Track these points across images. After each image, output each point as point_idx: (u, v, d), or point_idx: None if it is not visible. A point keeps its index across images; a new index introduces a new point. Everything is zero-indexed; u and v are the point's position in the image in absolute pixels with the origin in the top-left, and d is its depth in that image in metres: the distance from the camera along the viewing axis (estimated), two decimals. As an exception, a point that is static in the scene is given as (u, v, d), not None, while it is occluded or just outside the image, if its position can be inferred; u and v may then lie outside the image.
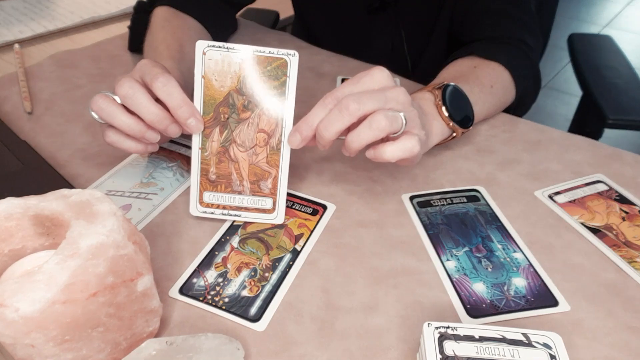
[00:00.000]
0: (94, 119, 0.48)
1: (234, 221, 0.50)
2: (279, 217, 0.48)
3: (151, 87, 0.46)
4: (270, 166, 0.47)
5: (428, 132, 0.53)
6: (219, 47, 0.45)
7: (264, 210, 0.48)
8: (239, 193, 0.48)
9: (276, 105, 0.46)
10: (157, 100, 0.46)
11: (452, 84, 0.56)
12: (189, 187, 0.53)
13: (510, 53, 0.66)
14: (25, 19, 0.88)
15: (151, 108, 0.46)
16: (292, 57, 0.45)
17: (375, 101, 0.43)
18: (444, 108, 0.54)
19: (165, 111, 0.46)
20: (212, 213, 0.48)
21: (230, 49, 0.45)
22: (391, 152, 0.45)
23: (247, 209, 0.48)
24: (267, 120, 0.46)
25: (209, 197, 0.48)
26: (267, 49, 0.45)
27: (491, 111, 0.64)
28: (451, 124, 0.55)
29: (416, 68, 0.82)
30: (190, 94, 0.46)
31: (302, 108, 0.66)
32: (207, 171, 0.48)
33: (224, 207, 0.48)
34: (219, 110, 0.46)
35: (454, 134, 0.56)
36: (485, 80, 0.61)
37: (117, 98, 0.47)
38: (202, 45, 0.45)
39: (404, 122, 0.44)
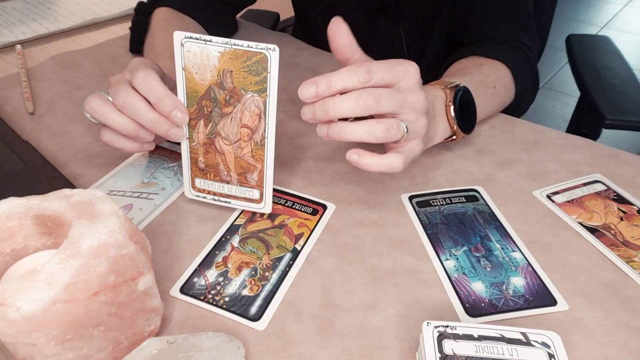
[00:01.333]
0: (88, 119, 0.48)
1: (234, 221, 0.50)
2: (266, 207, 0.49)
3: (132, 84, 0.46)
4: (255, 160, 0.47)
5: (432, 132, 0.53)
6: (197, 39, 0.43)
7: (252, 200, 0.49)
8: (227, 182, 0.49)
9: (258, 101, 0.45)
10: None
11: (464, 86, 0.56)
12: None
13: (511, 53, 0.66)
14: (27, 20, 0.88)
15: (149, 114, 0.45)
16: (272, 52, 0.42)
17: (392, 105, 0.43)
18: (452, 108, 0.54)
19: (162, 116, 0.46)
20: (204, 197, 0.50)
21: (208, 41, 0.43)
22: (373, 165, 0.44)
23: (236, 197, 0.49)
24: (249, 116, 0.45)
25: (200, 183, 0.49)
26: (246, 43, 0.43)
27: (491, 112, 0.65)
28: (455, 127, 0.55)
29: None
30: None
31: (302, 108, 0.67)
32: (196, 159, 0.48)
33: (214, 194, 0.50)
34: (202, 104, 0.46)
35: (454, 137, 0.56)
36: (489, 80, 0.62)
37: (107, 96, 0.47)
38: (180, 37, 0.44)
39: (405, 134, 0.44)
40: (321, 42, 0.86)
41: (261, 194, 0.48)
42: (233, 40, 0.43)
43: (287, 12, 1.11)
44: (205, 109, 0.46)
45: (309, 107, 0.43)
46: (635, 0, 3.24)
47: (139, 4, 0.76)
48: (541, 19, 0.76)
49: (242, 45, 0.43)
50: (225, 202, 0.50)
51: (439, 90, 0.56)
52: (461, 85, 0.56)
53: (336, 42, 0.45)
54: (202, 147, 0.47)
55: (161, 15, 0.70)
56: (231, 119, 0.45)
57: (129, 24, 0.77)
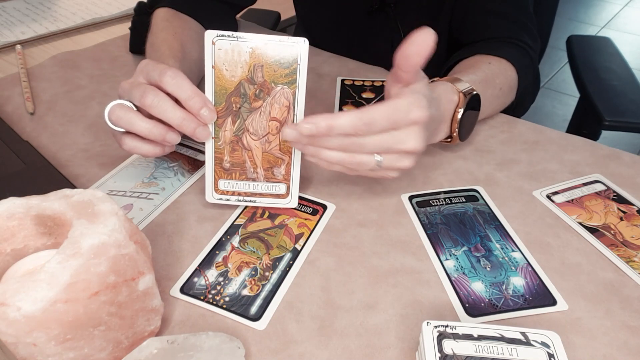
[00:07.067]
0: (112, 129, 0.48)
1: (234, 221, 0.50)
2: (292, 201, 0.50)
3: (160, 82, 0.46)
4: (283, 153, 0.48)
5: (433, 132, 0.53)
6: (229, 36, 0.44)
7: (277, 196, 0.50)
8: (253, 180, 0.49)
9: (288, 93, 0.46)
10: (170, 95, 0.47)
11: (477, 93, 0.56)
12: (190, 187, 0.54)
13: (514, 51, 0.66)
14: (27, 20, 0.88)
15: (177, 112, 0.46)
16: (302, 45, 0.45)
17: (374, 150, 0.44)
18: (459, 115, 0.54)
19: (191, 114, 0.46)
20: (228, 200, 0.50)
21: (240, 37, 0.44)
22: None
23: (261, 195, 0.50)
24: (278, 108, 0.46)
25: (223, 184, 0.49)
26: (277, 37, 0.44)
27: (492, 113, 0.65)
28: (455, 133, 0.55)
29: None
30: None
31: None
32: (221, 160, 0.48)
33: (239, 194, 0.50)
34: (230, 100, 0.46)
35: (449, 139, 0.57)
36: (497, 81, 0.62)
37: (128, 104, 0.48)
38: (212, 35, 0.45)
39: (378, 167, 0.45)
40: (321, 41, 0.86)
41: (287, 188, 0.49)
42: (265, 35, 0.45)
43: (287, 11, 1.11)
44: (234, 105, 0.46)
45: (294, 132, 0.43)
46: (635, 0, 3.24)
47: (139, 4, 0.76)
48: (542, 20, 0.76)
49: (273, 40, 0.45)
50: (250, 201, 0.50)
51: (454, 94, 0.55)
52: (475, 93, 0.56)
53: (406, 72, 0.45)
54: (229, 145, 0.48)
55: (162, 15, 0.70)
56: (260, 113, 0.46)
57: (129, 24, 0.77)
